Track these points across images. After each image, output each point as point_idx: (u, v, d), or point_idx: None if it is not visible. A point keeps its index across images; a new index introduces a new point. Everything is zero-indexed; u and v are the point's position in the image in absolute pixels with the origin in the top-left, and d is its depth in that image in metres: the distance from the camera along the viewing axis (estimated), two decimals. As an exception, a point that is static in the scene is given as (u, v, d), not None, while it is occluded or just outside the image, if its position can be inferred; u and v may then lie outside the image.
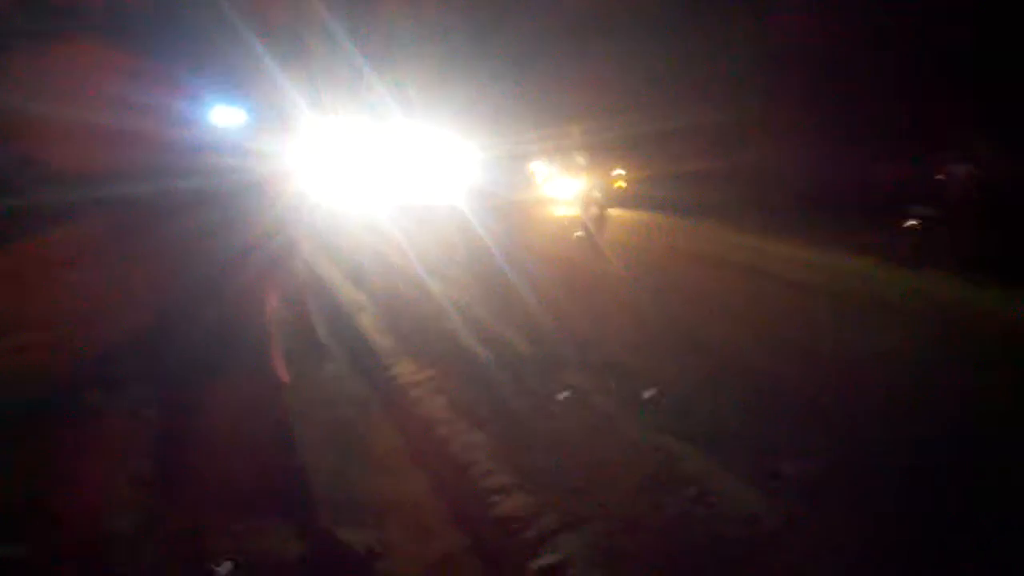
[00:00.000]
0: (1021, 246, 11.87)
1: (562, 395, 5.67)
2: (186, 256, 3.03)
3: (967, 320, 9.04)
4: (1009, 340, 8.16)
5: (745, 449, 4.71)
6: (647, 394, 5.69)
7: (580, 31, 20.32)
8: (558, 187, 18.75)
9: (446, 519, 3.93)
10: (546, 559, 3.46)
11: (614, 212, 15.30)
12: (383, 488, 4.31)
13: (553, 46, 20.75)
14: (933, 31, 16.15)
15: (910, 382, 6.27)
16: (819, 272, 12.17)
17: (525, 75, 20.86)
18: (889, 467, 4.55)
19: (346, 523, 3.88)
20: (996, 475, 4.44)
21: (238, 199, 3.09)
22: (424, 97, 20.33)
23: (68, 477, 4.28)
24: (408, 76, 20.20)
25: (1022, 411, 5.64)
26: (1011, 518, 3.93)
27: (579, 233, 14.04)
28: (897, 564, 3.54)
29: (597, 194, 14.58)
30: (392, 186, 18.16)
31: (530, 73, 20.86)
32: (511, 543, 3.64)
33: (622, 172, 15.75)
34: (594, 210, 14.48)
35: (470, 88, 21.12)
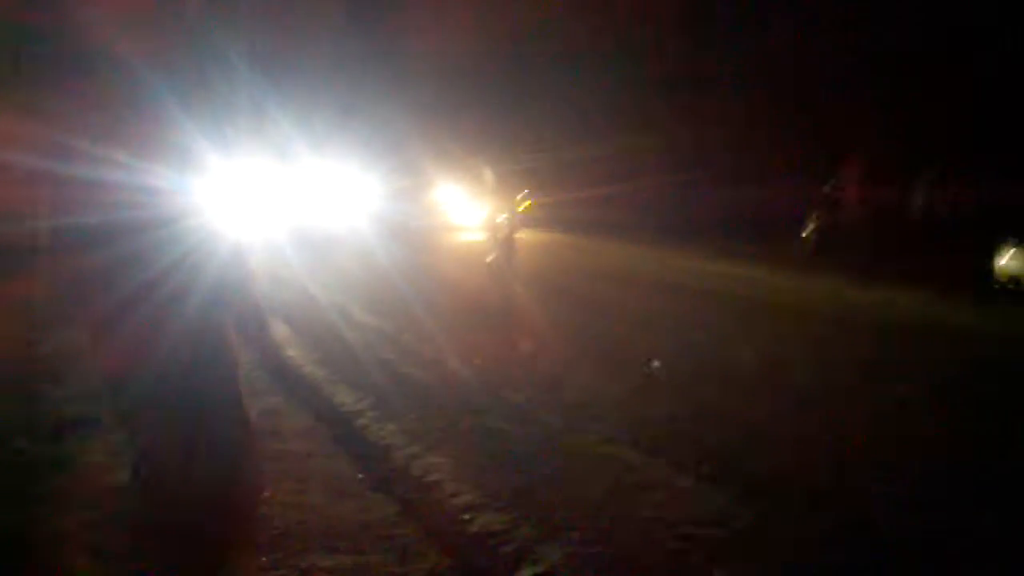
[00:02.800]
0: (902, 249, 12.70)
1: (507, 413, 5.79)
2: (88, 293, 2.96)
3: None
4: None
5: (696, 453, 4.89)
6: (584, 407, 5.85)
7: (484, 63, 20.65)
8: (464, 213, 18.91)
9: (421, 539, 3.95)
10: (531, 570, 3.52)
11: (522, 235, 15.47)
12: (350, 514, 4.28)
13: (458, 78, 21.01)
14: (817, 55, 17.06)
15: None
16: (720, 281, 12.64)
17: (430, 106, 21.04)
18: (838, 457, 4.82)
19: (320, 551, 3.86)
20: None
21: (142, 234, 3.03)
22: (327, 130, 20.26)
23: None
24: (311, 110, 20.11)
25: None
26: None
27: (490, 258, 14.17)
28: (871, 556, 3.74)
29: (505, 218, 14.69)
30: (297, 216, 17.99)
31: (435, 104, 21.05)
32: (493, 557, 3.69)
33: (528, 196, 15.94)
34: (503, 234, 14.59)
35: (374, 120, 21.18)
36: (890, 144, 14.60)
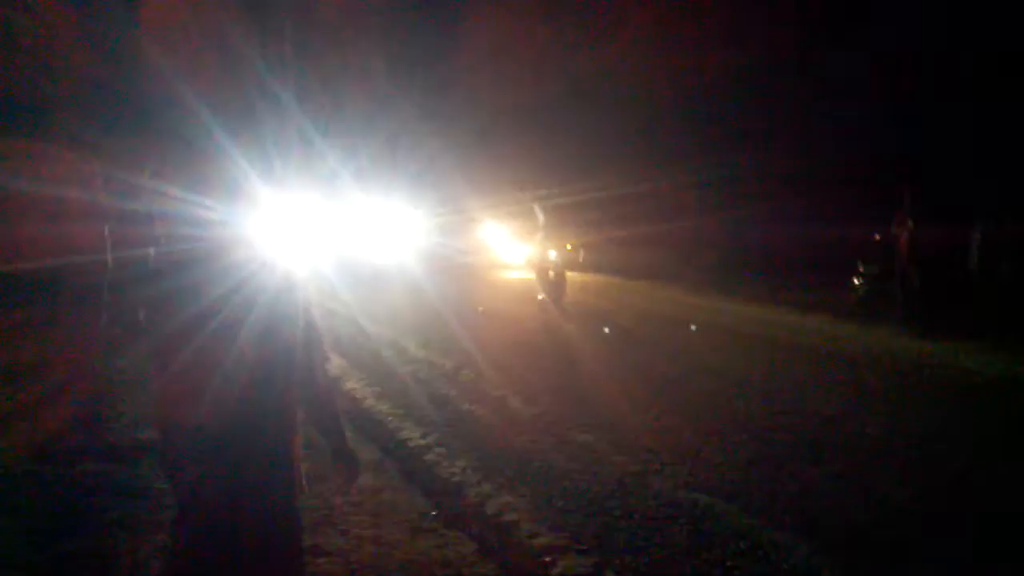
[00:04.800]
0: (959, 302, 12.48)
1: (575, 453, 5.75)
2: (151, 321, 2.95)
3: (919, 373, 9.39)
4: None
5: (773, 501, 4.82)
6: (652, 451, 5.79)
7: (531, 104, 20.90)
8: (510, 251, 18.97)
9: (505, 580, 3.92)
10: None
11: (569, 275, 15.43)
12: (427, 550, 4.26)
13: (504, 117, 21.29)
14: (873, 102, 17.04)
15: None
16: (775, 328, 12.46)
17: (477, 145, 21.29)
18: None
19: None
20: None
21: (199, 265, 3.02)
22: (374, 165, 20.58)
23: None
24: (359, 146, 20.44)
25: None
26: None
27: (541, 296, 14.17)
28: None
29: (555, 257, 14.66)
30: (344, 249, 18.14)
31: (482, 143, 21.31)
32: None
33: (572, 237, 15.96)
34: (552, 274, 14.55)
35: (421, 155, 21.47)
36: (948, 189, 14.37)
